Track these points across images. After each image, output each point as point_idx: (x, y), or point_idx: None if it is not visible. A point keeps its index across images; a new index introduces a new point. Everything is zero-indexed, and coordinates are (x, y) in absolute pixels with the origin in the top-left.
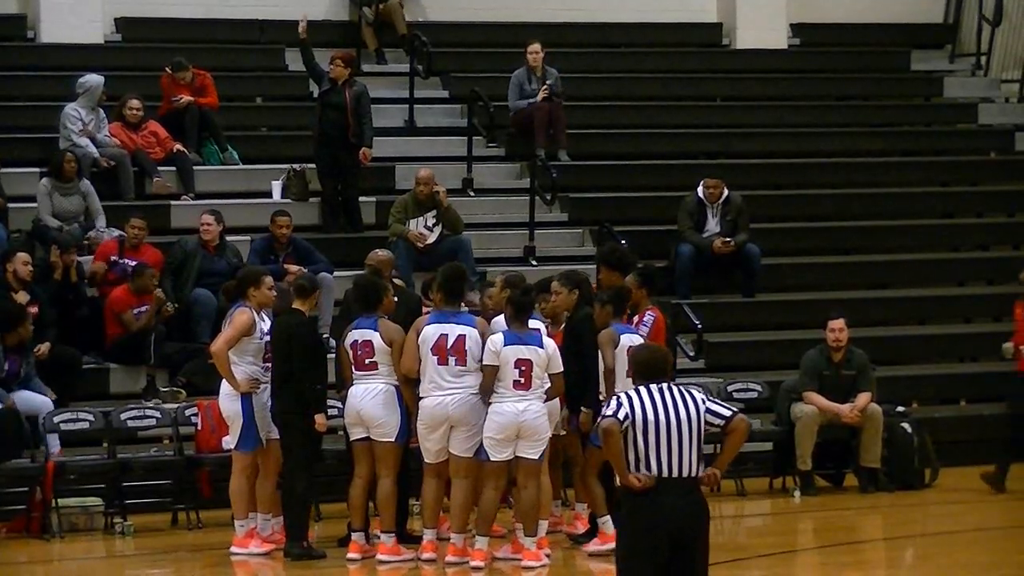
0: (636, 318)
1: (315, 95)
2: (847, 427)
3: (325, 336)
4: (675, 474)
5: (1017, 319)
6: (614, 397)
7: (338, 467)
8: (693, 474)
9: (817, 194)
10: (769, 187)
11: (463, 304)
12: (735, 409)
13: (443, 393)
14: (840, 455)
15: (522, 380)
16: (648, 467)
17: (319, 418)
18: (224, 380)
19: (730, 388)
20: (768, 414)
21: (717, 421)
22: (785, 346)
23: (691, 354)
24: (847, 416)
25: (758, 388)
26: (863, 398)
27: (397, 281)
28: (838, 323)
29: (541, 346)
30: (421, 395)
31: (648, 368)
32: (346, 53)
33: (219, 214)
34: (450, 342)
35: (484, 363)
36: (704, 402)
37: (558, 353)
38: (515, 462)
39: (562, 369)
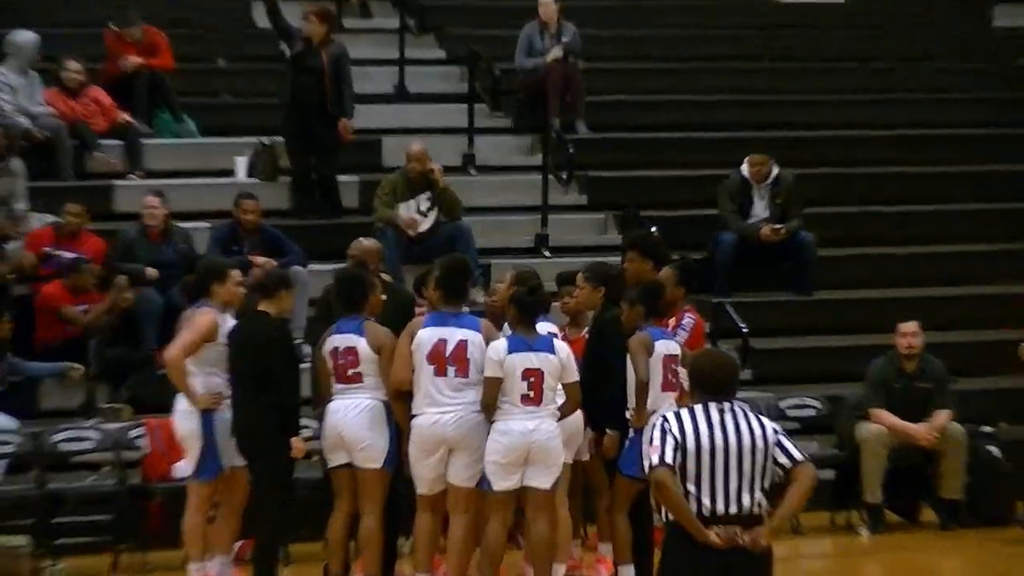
0: (672, 321)
1: (288, 56)
2: (922, 451)
3: (298, 341)
4: (732, 511)
5: None
6: (658, 421)
7: (313, 499)
8: (755, 512)
9: (882, 173)
10: (826, 164)
11: (465, 304)
12: (807, 456)
13: (440, 410)
14: (915, 484)
15: (531, 394)
16: (699, 503)
17: (295, 442)
18: (180, 394)
19: (782, 404)
20: (828, 435)
21: (783, 460)
22: (848, 354)
23: None
24: (923, 438)
25: (816, 404)
26: (941, 416)
27: (385, 276)
28: (911, 326)
29: (553, 352)
30: (414, 412)
31: (714, 382)
32: (322, 7)
33: (163, 194)
34: (449, 349)
35: (485, 374)
36: (776, 432)
37: (573, 359)
38: (523, 492)
39: (578, 378)
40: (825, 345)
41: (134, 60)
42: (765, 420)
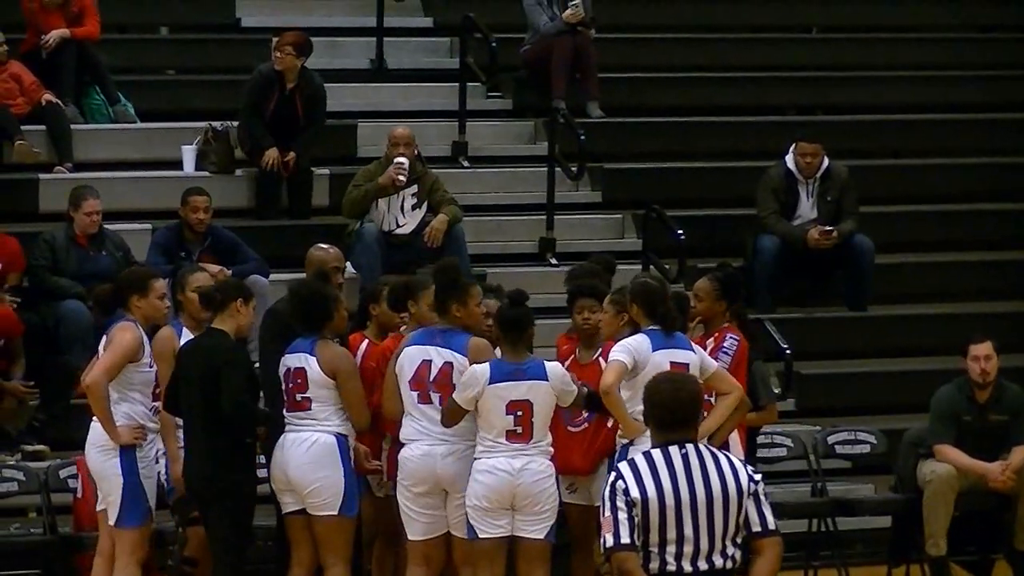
0: (710, 343)
1: (241, 23)
2: (997, 494)
3: (257, 365)
4: (703, 568)
5: None
6: (610, 477)
7: (273, 552)
8: (727, 568)
9: (954, 165)
10: (887, 154)
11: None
12: (777, 528)
13: (431, 442)
14: (987, 534)
15: (518, 429)
16: (663, 562)
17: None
18: (92, 426)
19: (831, 439)
20: (885, 476)
21: (754, 521)
22: (909, 380)
23: (776, 390)
24: (997, 479)
25: (870, 440)
26: (1019, 453)
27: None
28: (984, 348)
29: (545, 379)
30: (402, 440)
31: (672, 418)
32: (298, 35)
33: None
34: (433, 373)
35: (454, 396)
36: (753, 482)
37: (569, 384)
38: (514, 544)
39: (570, 402)
40: (882, 370)
41: (58, 35)
42: (739, 464)
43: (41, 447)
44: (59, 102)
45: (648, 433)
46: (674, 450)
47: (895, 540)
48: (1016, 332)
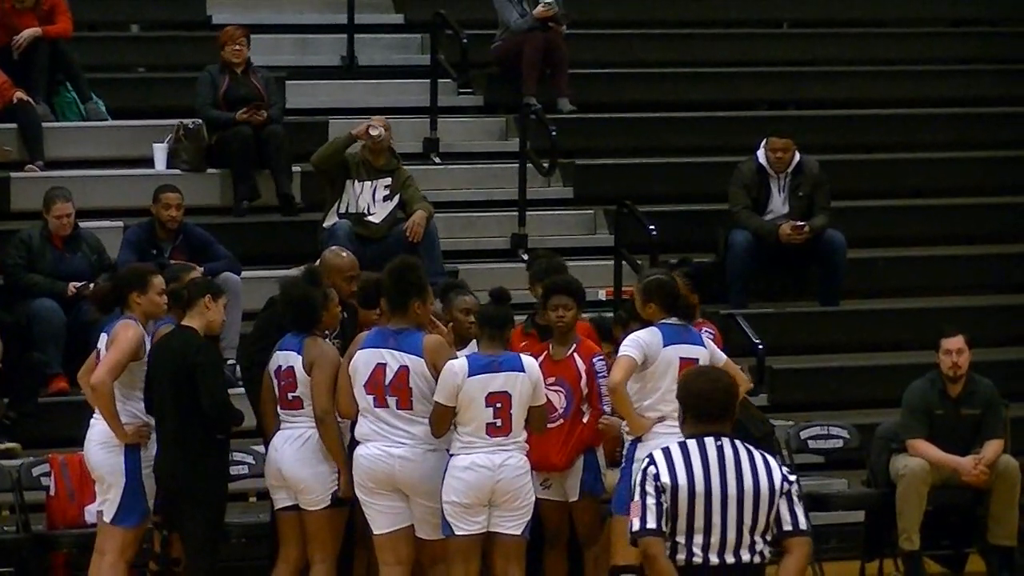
0: None
1: (212, 20)
2: (970, 488)
3: (230, 362)
4: (730, 561)
5: None
6: (642, 464)
7: (247, 550)
8: (755, 563)
9: (927, 159)
10: (858, 149)
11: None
12: (809, 528)
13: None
14: (960, 528)
15: (498, 422)
16: (690, 553)
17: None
18: (94, 423)
19: (803, 435)
20: (858, 471)
21: (785, 519)
22: (882, 375)
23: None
24: (970, 473)
25: (843, 435)
26: (992, 448)
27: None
28: (956, 342)
29: (522, 370)
30: (357, 439)
31: (711, 407)
32: (242, 28)
33: (71, 194)
34: (389, 376)
35: (436, 399)
36: (788, 482)
37: (542, 380)
38: (490, 540)
39: (544, 401)
40: (855, 365)
41: (30, 34)
42: (774, 463)
43: (13, 445)
44: (30, 100)
45: (655, 430)
46: (709, 441)
47: (868, 535)
48: (988, 326)
